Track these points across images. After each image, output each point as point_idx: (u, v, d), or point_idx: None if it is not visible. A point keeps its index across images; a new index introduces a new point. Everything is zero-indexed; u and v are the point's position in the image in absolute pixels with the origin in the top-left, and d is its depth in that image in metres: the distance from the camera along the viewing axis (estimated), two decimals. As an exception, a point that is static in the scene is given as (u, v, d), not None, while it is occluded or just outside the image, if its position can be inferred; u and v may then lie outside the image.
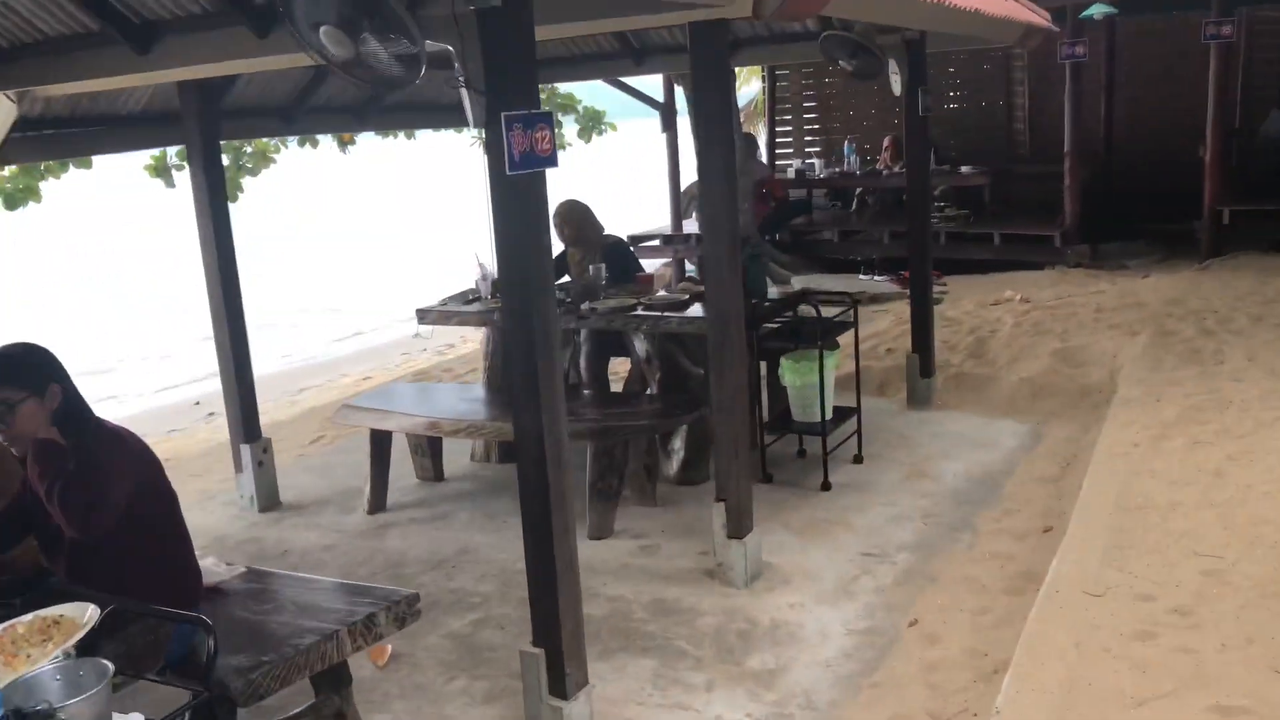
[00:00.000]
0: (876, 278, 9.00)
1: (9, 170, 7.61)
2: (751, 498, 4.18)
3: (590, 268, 5.88)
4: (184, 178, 9.63)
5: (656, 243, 10.50)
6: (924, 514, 4.78)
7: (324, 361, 11.51)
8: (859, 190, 11.05)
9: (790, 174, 10.94)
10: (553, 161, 2.92)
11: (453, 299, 6.08)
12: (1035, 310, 7.54)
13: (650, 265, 10.80)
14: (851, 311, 5.47)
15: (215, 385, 11.57)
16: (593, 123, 11.39)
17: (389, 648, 3.80)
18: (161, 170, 9.37)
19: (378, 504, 5.29)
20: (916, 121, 6.07)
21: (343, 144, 10.99)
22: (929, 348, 6.37)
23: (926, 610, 3.88)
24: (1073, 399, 6.07)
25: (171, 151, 9.57)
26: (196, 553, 3.12)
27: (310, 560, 4.76)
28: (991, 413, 6.14)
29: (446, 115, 7.99)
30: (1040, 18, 5.96)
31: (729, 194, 3.90)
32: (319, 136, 9.87)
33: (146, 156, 9.23)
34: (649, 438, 4.91)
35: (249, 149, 10.12)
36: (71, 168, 8.11)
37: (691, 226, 10.39)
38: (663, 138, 10.56)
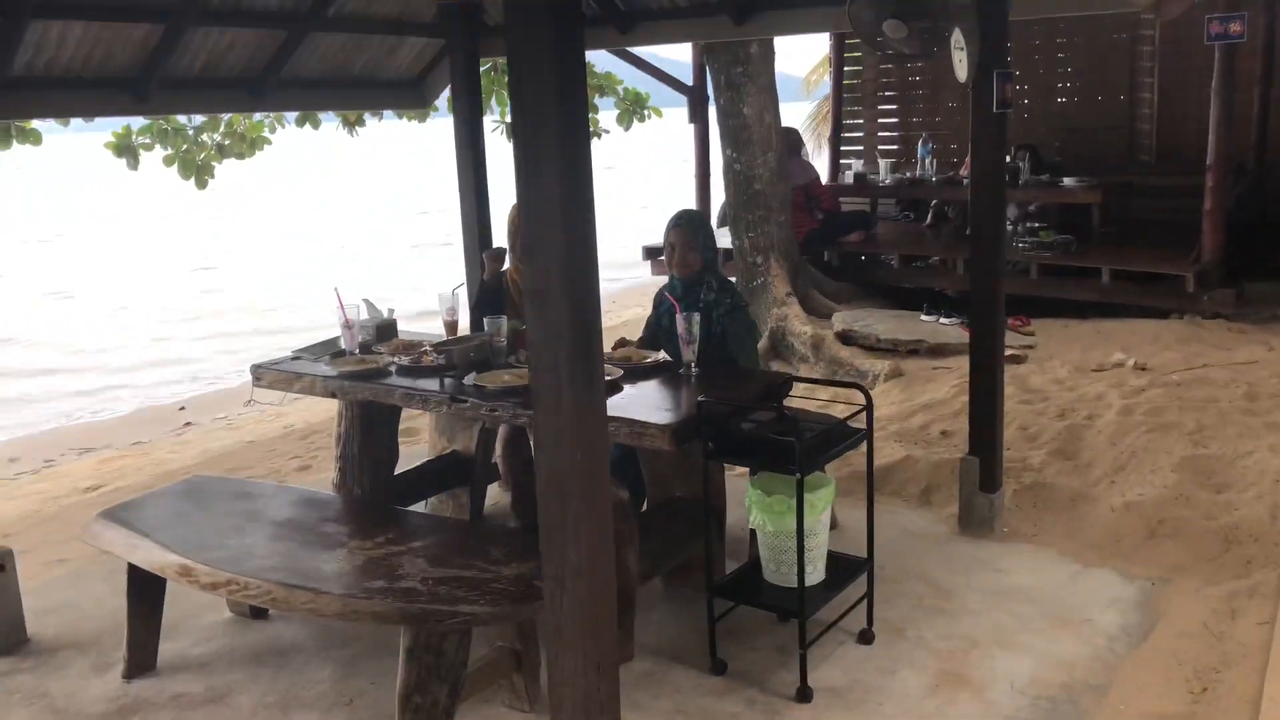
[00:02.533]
0: (943, 320, 7.00)
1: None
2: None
3: (488, 321, 4.07)
4: (152, 158, 8.27)
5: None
6: (952, 781, 2.85)
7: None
8: (934, 202, 8.97)
9: (848, 179, 8.92)
10: None
11: (309, 351, 4.34)
12: (1155, 386, 5.45)
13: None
14: (865, 406, 3.51)
15: (200, 387, 10.15)
16: (635, 107, 9.59)
17: None
18: (124, 149, 7.94)
19: (140, 663, 3.58)
20: (989, 118, 4.08)
21: (349, 125, 9.41)
22: (994, 447, 4.37)
23: None
24: (1210, 547, 4.02)
25: (135, 127, 8.15)
26: None
27: (-29, 779, 3.08)
28: (1082, 555, 4.13)
29: (385, 94, 6.27)
30: (1189, -31, 3.91)
31: (574, 239, 2.05)
32: (321, 116, 8.42)
33: (108, 134, 7.89)
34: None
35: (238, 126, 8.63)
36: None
37: (724, 240, 8.48)
38: (690, 129, 8.68)
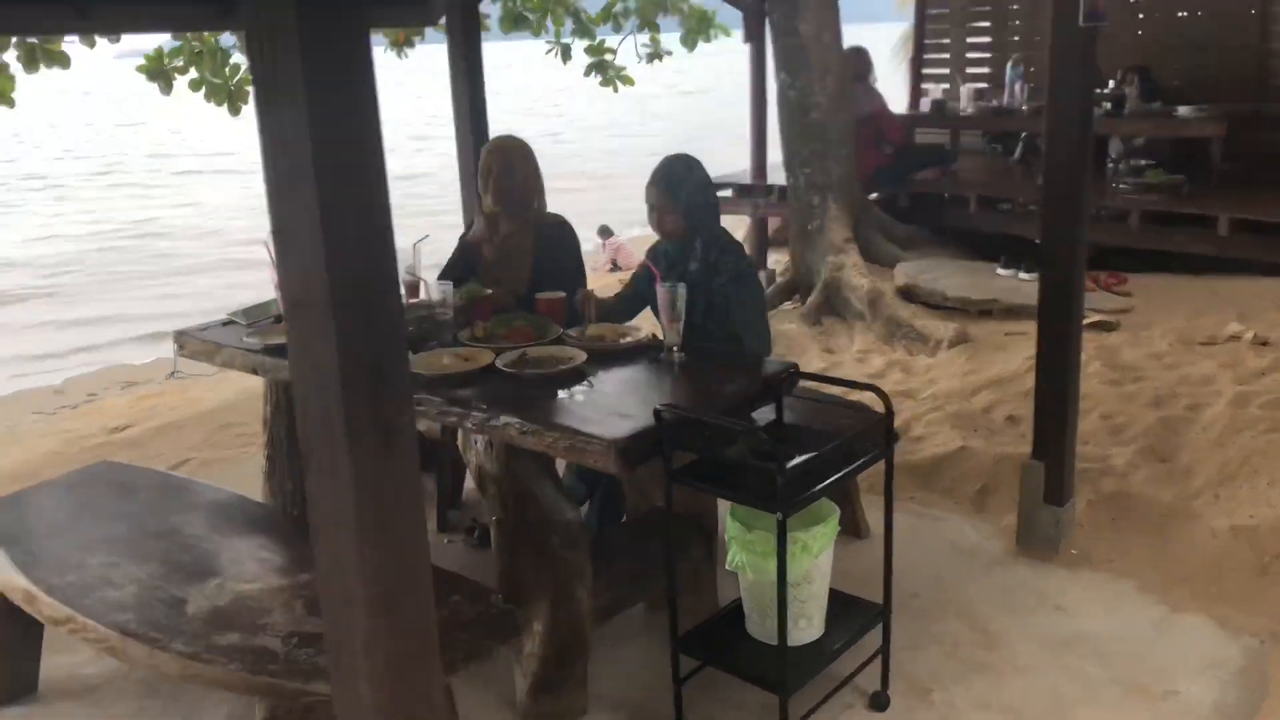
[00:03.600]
0: (1023, 276, 6.06)
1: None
2: None
3: (435, 286, 3.37)
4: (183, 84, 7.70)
5: (729, 193, 7.75)
6: None
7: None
8: (1024, 134, 7.88)
9: (926, 107, 7.89)
10: None
11: (247, 314, 3.70)
12: (1279, 368, 4.49)
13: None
14: (885, 414, 2.70)
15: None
16: (700, 26, 8.66)
17: None
18: (156, 73, 7.39)
19: (16, 687, 3.04)
20: (1073, 33, 3.16)
21: (397, 46, 8.69)
22: (1063, 450, 3.52)
23: None
24: (1342, 595, 3.15)
25: (167, 48, 7.57)
26: None
27: None
28: (1170, 592, 3.29)
29: (381, 9, 5.51)
30: None
31: (340, 223, 1.31)
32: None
33: (140, 56, 7.36)
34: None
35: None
36: None
37: (779, 175, 7.59)
38: (745, 50, 7.73)
